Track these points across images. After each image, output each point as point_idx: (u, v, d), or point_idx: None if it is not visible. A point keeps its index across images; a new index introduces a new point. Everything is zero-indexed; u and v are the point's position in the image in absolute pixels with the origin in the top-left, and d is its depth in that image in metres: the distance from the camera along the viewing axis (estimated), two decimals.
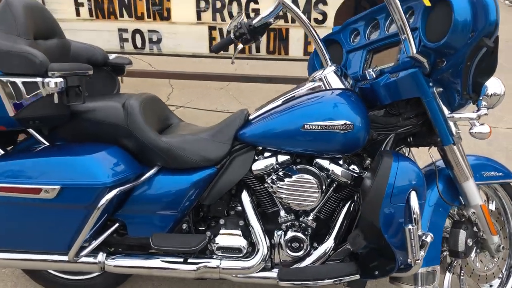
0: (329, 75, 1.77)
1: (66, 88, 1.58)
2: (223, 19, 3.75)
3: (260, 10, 3.69)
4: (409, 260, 1.55)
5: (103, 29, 3.88)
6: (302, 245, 1.78)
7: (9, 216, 1.65)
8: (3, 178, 1.59)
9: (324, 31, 3.67)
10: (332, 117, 1.66)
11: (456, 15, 1.40)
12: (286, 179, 1.71)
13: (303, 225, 1.81)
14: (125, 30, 3.88)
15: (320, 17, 3.67)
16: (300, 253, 1.79)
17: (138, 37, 3.90)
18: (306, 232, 1.80)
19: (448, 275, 1.91)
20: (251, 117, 1.84)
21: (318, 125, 1.66)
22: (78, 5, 3.82)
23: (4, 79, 1.53)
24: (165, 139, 1.74)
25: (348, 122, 1.66)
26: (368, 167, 1.81)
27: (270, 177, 1.75)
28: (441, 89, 1.65)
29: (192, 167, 1.77)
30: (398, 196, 1.55)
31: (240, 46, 2.04)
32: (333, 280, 1.72)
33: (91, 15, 3.85)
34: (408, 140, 1.85)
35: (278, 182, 1.72)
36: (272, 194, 1.79)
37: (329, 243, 1.79)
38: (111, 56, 2.14)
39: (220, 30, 3.79)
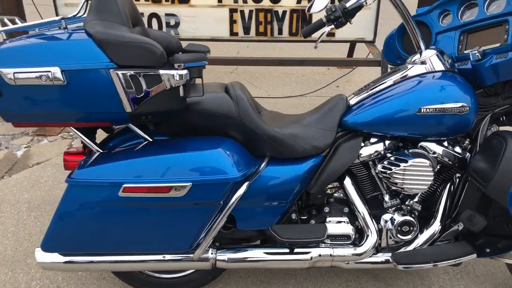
0: (433, 58, 1.77)
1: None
2: (244, 1, 3.65)
3: None
4: None
5: None
6: (412, 228, 1.79)
7: (130, 218, 1.55)
8: (128, 178, 1.49)
9: None
10: (449, 100, 1.66)
11: None
12: (402, 164, 1.70)
13: (409, 208, 1.82)
14: (141, 14, 3.69)
15: None
16: (409, 236, 1.80)
17: (154, 21, 3.73)
18: (413, 215, 1.81)
19: None
20: (352, 103, 1.81)
21: (435, 109, 1.66)
22: None
23: (123, 72, 1.42)
24: (276, 128, 1.68)
25: (465, 104, 1.66)
26: (467, 147, 1.84)
27: (382, 163, 1.74)
28: None
29: (301, 156, 1.73)
30: None
31: (327, 29, 1.99)
32: (452, 261, 1.75)
33: None
34: (501, 119, 1.89)
35: (393, 167, 1.71)
36: (383, 180, 1.77)
37: (436, 225, 1.81)
38: (184, 44, 2.04)
39: (242, 12, 3.69)
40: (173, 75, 1.44)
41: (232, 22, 3.72)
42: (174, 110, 1.53)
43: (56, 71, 1.41)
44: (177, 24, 3.74)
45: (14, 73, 1.40)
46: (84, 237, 1.58)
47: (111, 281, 2.02)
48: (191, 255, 1.66)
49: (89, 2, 1.64)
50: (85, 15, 1.68)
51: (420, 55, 1.81)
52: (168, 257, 1.67)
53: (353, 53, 4.51)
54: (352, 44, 4.39)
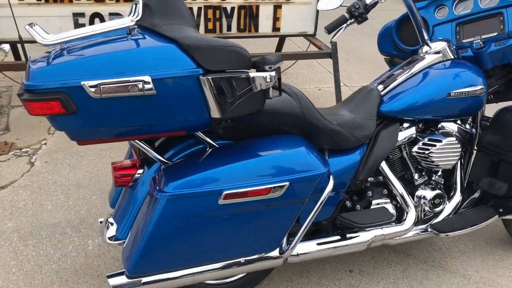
0: (446, 48, 2.00)
1: None
2: None
3: None
4: None
5: (53, 15, 3.36)
6: (442, 200, 2.01)
7: (226, 225, 1.50)
8: (227, 184, 1.44)
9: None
10: (472, 83, 1.91)
11: None
12: (438, 144, 1.90)
13: (435, 182, 2.04)
14: (82, 15, 3.42)
15: None
16: (440, 208, 2.02)
17: (97, 22, 3.47)
18: (439, 188, 2.03)
19: None
20: (382, 93, 1.96)
21: (462, 92, 1.89)
22: None
23: (214, 77, 1.37)
24: (334, 122, 1.76)
25: (482, 86, 1.93)
26: (471, 124, 2.11)
27: (417, 144, 1.93)
28: None
29: (353, 146, 1.83)
30: None
31: (344, 25, 2.10)
32: (483, 224, 2.01)
33: None
34: (489, 97, 2.21)
35: (430, 147, 1.90)
36: (419, 160, 1.95)
37: (458, 195, 2.07)
38: None
39: (191, 10, 3.61)
40: (265, 77, 1.43)
41: None
42: (253, 112, 1.52)
43: (147, 80, 1.31)
44: None
45: (100, 85, 1.27)
46: (176, 252, 1.49)
47: None
48: (276, 254, 1.67)
49: (138, 5, 1.53)
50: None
51: (428, 46, 2.03)
52: (251, 259, 1.65)
53: (282, 48, 4.70)
54: (281, 39, 4.57)
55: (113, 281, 1.54)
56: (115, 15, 3.49)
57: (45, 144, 3.06)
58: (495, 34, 2.00)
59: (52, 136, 3.16)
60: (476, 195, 2.12)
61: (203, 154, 1.57)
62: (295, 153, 1.56)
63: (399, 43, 2.28)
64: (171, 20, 1.49)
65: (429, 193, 1.99)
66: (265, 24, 3.87)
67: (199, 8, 3.63)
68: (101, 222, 1.94)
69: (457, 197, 2.07)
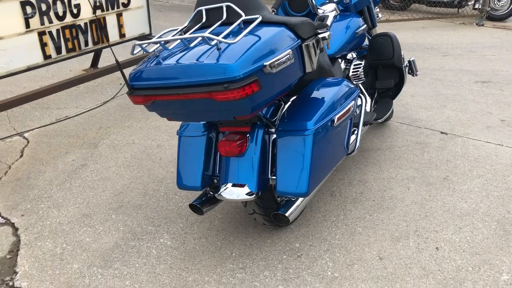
0: (336, 7, 3.06)
1: None
2: (50, 21, 3.56)
3: (80, 4, 3.73)
4: (414, 75, 3.28)
5: None
6: (365, 102, 3.12)
7: (335, 140, 2.18)
8: (334, 112, 2.12)
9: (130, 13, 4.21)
10: (362, 24, 3.04)
11: None
12: (361, 65, 2.98)
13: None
14: None
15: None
16: (365, 107, 3.13)
17: None
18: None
19: None
20: None
21: (360, 30, 3.01)
22: None
23: (310, 43, 2.04)
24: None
25: (365, 25, 3.07)
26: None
27: (350, 68, 2.96)
28: None
29: None
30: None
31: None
32: (391, 108, 3.21)
33: None
34: None
35: (358, 68, 2.96)
36: (352, 78, 2.99)
37: (368, 98, 3.23)
38: None
39: (50, 33, 3.58)
40: (326, 36, 2.16)
41: (43, 45, 3.55)
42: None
43: (290, 52, 1.89)
44: None
45: (275, 62, 1.80)
46: (321, 167, 2.09)
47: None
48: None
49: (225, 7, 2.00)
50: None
51: (321, 9, 3.05)
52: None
53: (98, 62, 4.87)
54: (97, 53, 4.73)
55: (288, 212, 2.05)
56: None
57: None
58: None
59: None
60: (375, 96, 3.33)
61: (297, 102, 2.19)
62: (345, 84, 2.35)
63: (291, 11, 3.20)
64: (260, 11, 2.01)
65: (358, 100, 3.07)
66: (113, 32, 4.12)
67: (58, 30, 3.63)
68: (191, 205, 2.24)
69: (369, 99, 3.23)
